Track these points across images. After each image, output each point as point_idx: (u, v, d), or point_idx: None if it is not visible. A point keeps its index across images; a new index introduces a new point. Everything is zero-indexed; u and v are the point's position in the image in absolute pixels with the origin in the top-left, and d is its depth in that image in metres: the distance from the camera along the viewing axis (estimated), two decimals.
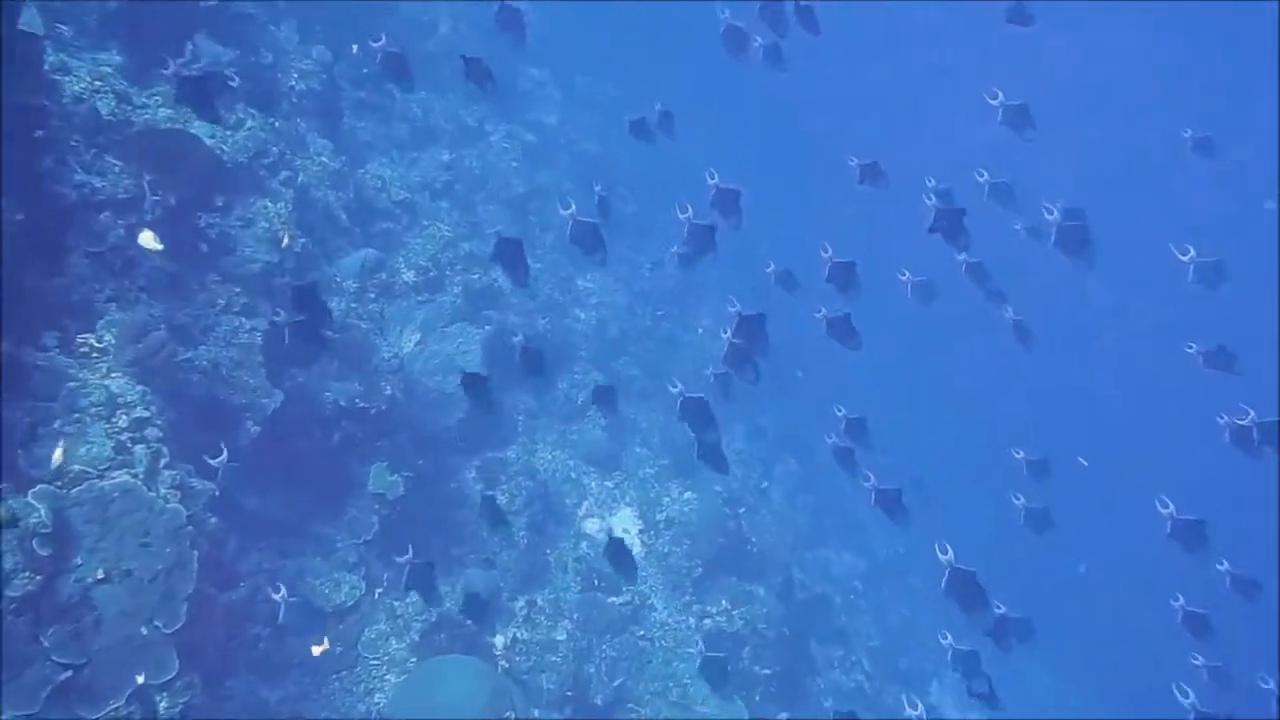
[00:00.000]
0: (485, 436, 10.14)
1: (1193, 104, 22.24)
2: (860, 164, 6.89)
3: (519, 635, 8.62)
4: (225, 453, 6.01)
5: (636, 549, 10.29)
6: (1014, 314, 7.56)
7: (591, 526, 10.30)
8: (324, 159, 9.49)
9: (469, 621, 7.87)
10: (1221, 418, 6.15)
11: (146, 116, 7.31)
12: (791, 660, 9.68)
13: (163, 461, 5.71)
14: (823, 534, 15.80)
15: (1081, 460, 11.94)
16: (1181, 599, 6.42)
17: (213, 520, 6.04)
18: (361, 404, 8.11)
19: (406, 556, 5.80)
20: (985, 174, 6.87)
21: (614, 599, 9.53)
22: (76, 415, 5.58)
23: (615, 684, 8.65)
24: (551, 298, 12.85)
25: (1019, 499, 7.31)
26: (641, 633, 9.37)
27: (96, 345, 5.92)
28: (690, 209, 6.56)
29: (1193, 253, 6.66)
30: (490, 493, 8.32)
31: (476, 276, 10.67)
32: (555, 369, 11.99)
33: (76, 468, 5.34)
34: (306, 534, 7.88)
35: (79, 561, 5.16)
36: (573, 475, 10.66)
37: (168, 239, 6.59)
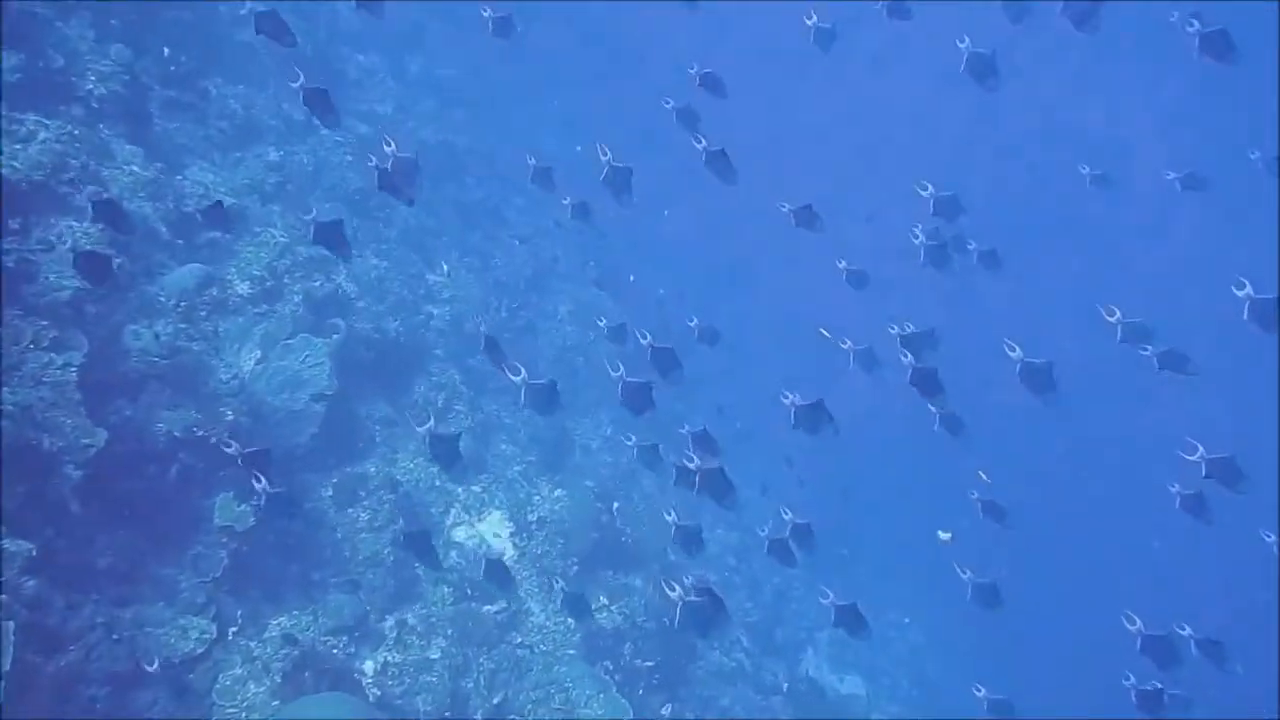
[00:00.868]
0: (341, 451, 9.65)
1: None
2: (793, 209, 6.88)
3: (390, 659, 8.29)
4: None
5: (509, 553, 10.09)
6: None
7: (461, 534, 10.01)
8: (135, 167, 8.71)
9: (335, 652, 7.49)
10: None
11: None
12: (672, 649, 9.74)
13: None
14: (694, 512, 16.00)
15: (982, 475, 12.44)
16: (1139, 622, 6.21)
17: (30, 584, 5.45)
18: (200, 433, 7.52)
19: None
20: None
21: (489, 607, 9.31)
22: None
23: (496, 700, 8.45)
24: (401, 296, 12.35)
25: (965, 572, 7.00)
26: (519, 640, 9.20)
27: None
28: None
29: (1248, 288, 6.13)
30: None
31: (319, 284, 10.10)
32: (411, 371, 11.57)
33: None
34: (145, 578, 7.26)
35: None
36: (437, 483, 10.31)
37: None
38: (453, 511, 10.20)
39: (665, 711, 7.39)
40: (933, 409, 7.02)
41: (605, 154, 6.45)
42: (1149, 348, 6.48)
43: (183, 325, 8.10)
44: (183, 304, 8.26)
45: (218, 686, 7.12)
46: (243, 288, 9.42)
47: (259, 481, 5.55)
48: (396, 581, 9.06)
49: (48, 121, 7.62)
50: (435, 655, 8.51)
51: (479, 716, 8.24)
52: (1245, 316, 6.13)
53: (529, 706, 8.52)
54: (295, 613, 8.08)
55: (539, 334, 15.83)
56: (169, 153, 10.07)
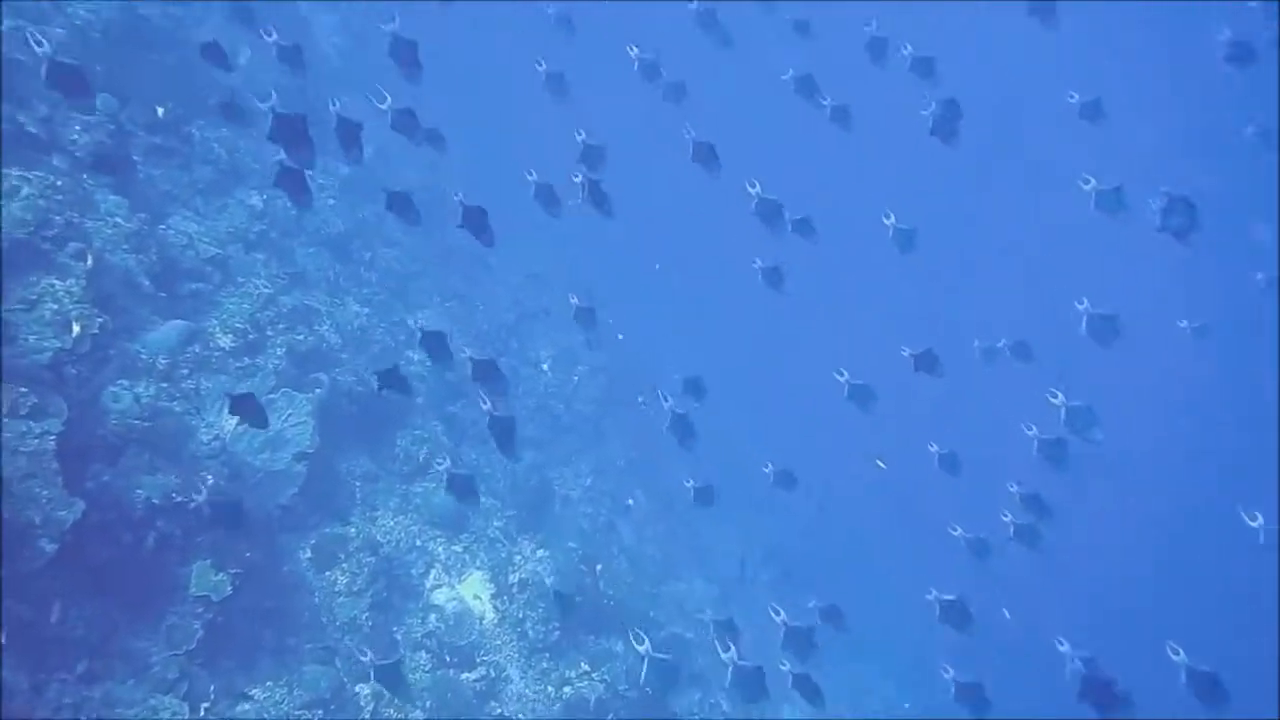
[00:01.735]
0: (321, 509, 9.44)
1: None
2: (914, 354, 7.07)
3: None
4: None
5: (489, 616, 9.88)
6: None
7: (441, 597, 9.79)
8: (119, 219, 8.52)
9: None
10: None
11: None
12: (653, 716, 9.57)
13: None
14: (673, 564, 15.89)
15: (880, 463, 12.54)
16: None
17: None
18: (179, 498, 7.29)
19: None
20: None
21: (467, 674, 9.10)
22: None
23: None
24: (384, 344, 12.18)
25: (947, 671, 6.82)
26: (499, 710, 8.98)
27: None
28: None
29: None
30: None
31: (302, 337, 9.93)
32: (393, 423, 11.38)
33: None
34: (116, 652, 6.99)
35: None
36: (418, 542, 10.10)
37: None
38: (433, 572, 9.98)
39: None
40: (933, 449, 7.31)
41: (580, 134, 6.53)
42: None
43: (164, 385, 7.90)
44: (164, 362, 8.06)
45: None
46: (225, 341, 9.22)
47: None
48: (373, 648, 8.80)
49: (30, 175, 7.44)
50: None
51: None
52: (1084, 330, 6.86)
53: None
54: (269, 684, 7.82)
55: (520, 380, 15.70)
56: (153, 201, 9.88)
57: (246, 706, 7.46)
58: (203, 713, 7.14)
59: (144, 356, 8.00)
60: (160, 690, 6.93)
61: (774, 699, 6.75)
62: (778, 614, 6.42)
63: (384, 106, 7.02)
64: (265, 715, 7.39)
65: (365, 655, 6.54)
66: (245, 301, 9.75)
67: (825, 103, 7.91)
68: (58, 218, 7.34)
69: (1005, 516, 7.40)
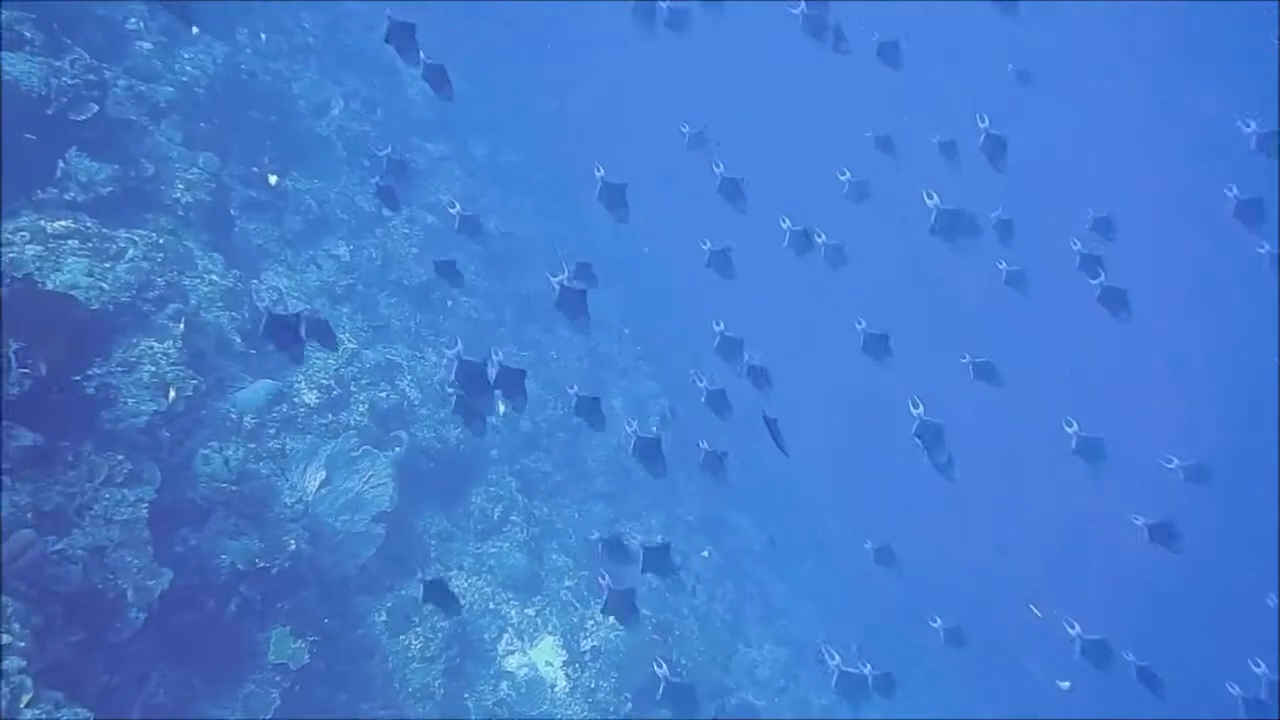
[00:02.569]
0: (396, 569, 9.37)
1: None
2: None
3: None
4: None
5: (560, 684, 9.67)
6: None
7: (513, 663, 9.62)
8: (214, 276, 8.65)
9: None
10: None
11: (13, 254, 6.46)
12: None
13: (25, 699, 4.84)
14: (743, 626, 15.51)
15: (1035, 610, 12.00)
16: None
17: None
18: (262, 564, 7.27)
19: None
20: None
21: None
22: None
23: None
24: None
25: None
26: None
27: None
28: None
29: None
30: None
31: (384, 394, 9.95)
32: (468, 479, 11.33)
33: None
34: None
35: None
36: (491, 605, 9.97)
37: (36, 408, 5.73)
38: (505, 637, 9.83)
39: None
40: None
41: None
42: None
43: (251, 445, 7.93)
44: (252, 421, 8.11)
45: None
46: (310, 398, 9.27)
47: None
48: (444, 716, 8.68)
49: (136, 238, 7.58)
50: None
51: None
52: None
53: None
54: None
55: (592, 432, 15.55)
56: (246, 255, 10.07)
57: None
58: None
59: (233, 416, 8.06)
60: None
61: None
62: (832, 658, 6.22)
63: (454, 212, 7.05)
64: None
65: None
66: (331, 357, 9.81)
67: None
68: (159, 279, 7.45)
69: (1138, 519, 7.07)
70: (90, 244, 7.13)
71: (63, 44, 7.56)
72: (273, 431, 8.37)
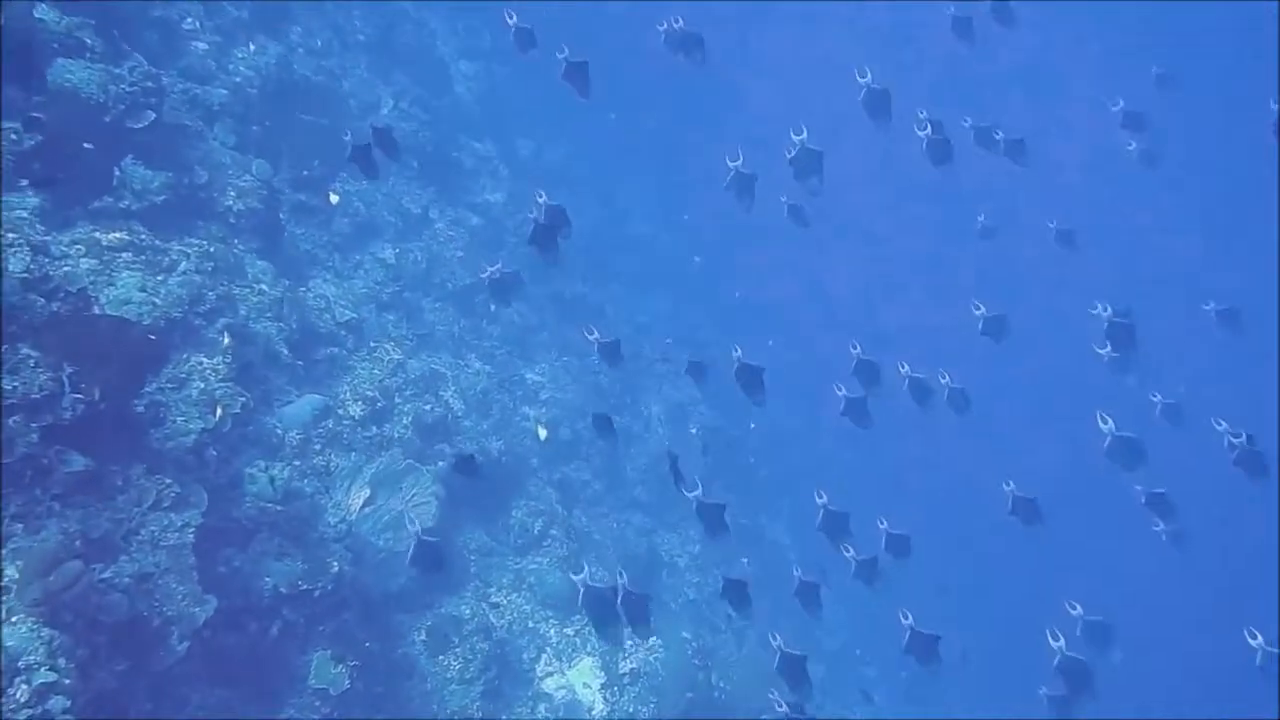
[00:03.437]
0: (436, 588, 9.24)
1: None
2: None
3: None
4: None
5: (598, 708, 9.52)
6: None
7: (551, 685, 9.47)
8: (264, 286, 8.54)
9: None
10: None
11: (68, 268, 6.36)
12: None
13: None
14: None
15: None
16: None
17: None
18: (305, 586, 7.16)
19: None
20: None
21: None
22: None
23: None
24: (504, 406, 12.03)
25: None
26: None
27: None
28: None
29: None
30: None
31: (429, 407, 9.82)
32: (509, 491, 11.19)
33: None
34: None
35: None
36: (530, 624, 9.82)
37: (88, 431, 5.63)
38: (544, 657, 9.68)
39: None
40: None
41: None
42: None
43: (297, 463, 7.83)
44: (298, 437, 8.00)
45: None
46: (355, 410, 9.15)
47: None
48: None
49: (189, 249, 7.49)
50: None
51: None
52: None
53: None
54: None
55: (632, 440, 15.41)
56: (295, 262, 9.96)
57: None
58: None
59: (279, 431, 7.95)
60: None
61: None
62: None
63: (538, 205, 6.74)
64: None
65: None
66: (376, 367, 9.70)
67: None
68: (210, 293, 7.34)
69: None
70: (144, 256, 7.03)
71: (122, 50, 7.46)
72: (318, 447, 8.25)
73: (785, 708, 5.92)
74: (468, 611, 9.16)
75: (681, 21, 6.83)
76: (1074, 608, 6.58)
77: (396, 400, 9.70)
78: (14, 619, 4.93)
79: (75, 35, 7.01)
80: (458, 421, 10.37)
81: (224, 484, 6.92)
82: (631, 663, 9.97)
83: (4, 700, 4.61)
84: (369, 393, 9.36)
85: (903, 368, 7.23)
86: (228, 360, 7.21)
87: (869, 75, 6.87)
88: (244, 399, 7.18)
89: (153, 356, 6.17)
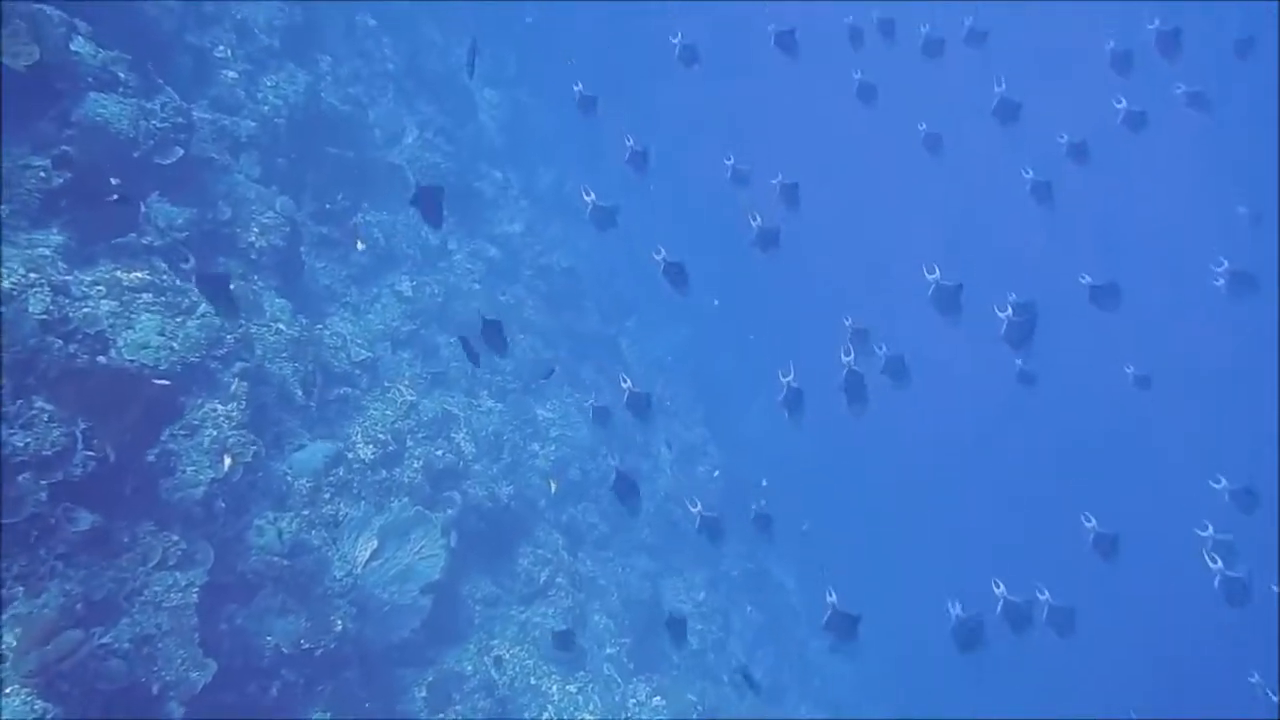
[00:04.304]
0: (440, 639, 9.02)
1: None
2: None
3: None
4: None
5: None
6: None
7: None
8: (281, 325, 8.36)
9: None
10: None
11: (87, 310, 6.20)
12: None
13: None
14: (782, 691, 15.15)
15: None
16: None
17: None
18: (306, 645, 6.95)
19: None
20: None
21: None
22: None
23: None
24: (515, 445, 11.83)
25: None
26: None
27: None
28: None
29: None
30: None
31: (440, 452, 9.62)
32: (517, 537, 10.98)
33: None
34: None
35: None
36: (533, 680, 9.57)
37: (99, 486, 5.44)
38: (545, 716, 9.43)
39: None
40: None
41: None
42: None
43: (305, 513, 7.62)
44: (308, 485, 7.81)
45: None
46: (366, 452, 8.96)
47: None
48: None
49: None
50: None
51: None
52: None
53: None
54: None
55: (641, 480, 15.21)
56: (313, 297, 9.80)
57: None
58: None
59: (289, 479, 7.76)
60: None
61: None
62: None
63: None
64: None
65: None
66: (389, 408, 9.52)
67: None
68: (229, 336, 7.16)
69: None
70: (164, 297, 6.86)
71: (155, 84, 7.33)
72: (328, 496, 8.05)
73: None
74: (470, 668, 8.94)
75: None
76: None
77: (408, 443, 9.51)
78: (8, 690, 4.73)
79: (110, 70, 6.87)
80: (468, 465, 10.17)
81: (231, 537, 6.73)
82: None
83: None
84: (380, 435, 9.16)
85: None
86: (242, 407, 7.03)
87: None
88: (256, 447, 6.99)
89: (168, 409, 5.99)
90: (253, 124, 9.36)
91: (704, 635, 13.63)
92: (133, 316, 6.53)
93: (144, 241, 7.24)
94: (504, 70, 19.16)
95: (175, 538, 5.95)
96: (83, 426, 5.24)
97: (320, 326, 9.39)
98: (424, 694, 8.47)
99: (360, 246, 9.92)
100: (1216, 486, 7.48)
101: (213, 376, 7.08)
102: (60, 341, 5.76)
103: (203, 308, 7.11)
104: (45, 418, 5.15)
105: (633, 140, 7.22)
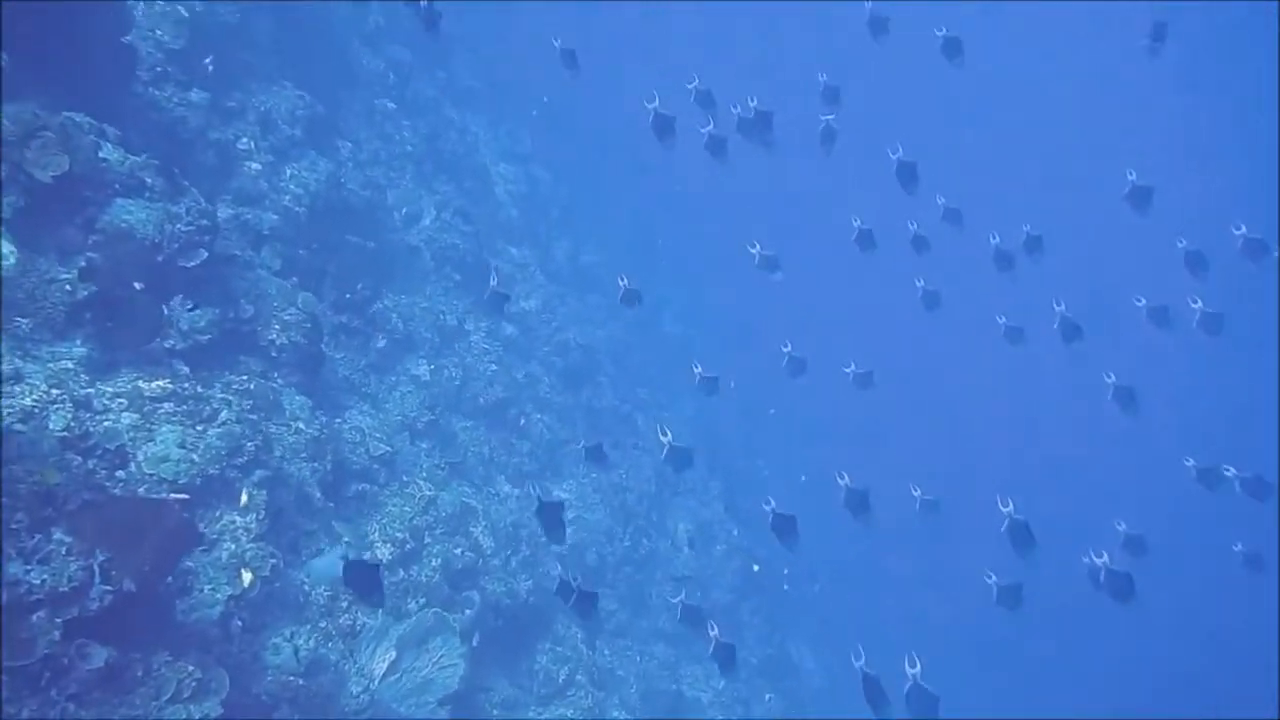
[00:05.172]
0: None
1: None
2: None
3: None
4: None
5: None
6: None
7: None
8: (301, 424, 8.17)
9: None
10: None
11: (109, 424, 6.03)
12: None
13: None
14: None
15: None
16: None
17: None
18: None
19: None
20: None
21: None
22: None
23: None
24: (532, 535, 11.56)
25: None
26: None
27: None
28: None
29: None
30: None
31: (459, 550, 9.37)
32: (536, 633, 10.67)
33: None
34: None
35: None
36: None
37: (114, 617, 5.21)
38: None
39: None
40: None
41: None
42: None
43: (322, 625, 7.35)
44: (326, 594, 7.55)
45: None
46: (384, 551, 8.71)
47: None
48: None
49: (230, 395, 7.15)
50: None
51: None
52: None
53: None
54: None
55: (658, 563, 14.92)
56: (332, 390, 9.65)
57: None
58: None
59: (306, 587, 7.50)
60: None
61: None
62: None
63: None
64: None
65: None
66: (407, 504, 9.29)
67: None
68: (249, 444, 6.98)
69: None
70: (185, 406, 6.70)
71: (180, 186, 7.25)
72: (345, 605, 7.78)
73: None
74: None
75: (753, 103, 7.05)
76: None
77: (426, 540, 9.26)
78: None
79: (137, 175, 6.81)
80: (487, 561, 9.91)
81: (247, 659, 6.46)
82: None
83: None
84: (398, 534, 8.93)
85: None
86: (259, 516, 6.82)
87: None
88: (274, 560, 6.77)
89: (188, 537, 5.78)
90: (274, 217, 9.32)
91: None
92: (153, 428, 6.37)
93: (166, 345, 7.12)
94: (519, 145, 19.31)
95: (190, 667, 5.67)
96: (101, 559, 5.03)
97: (339, 420, 9.22)
98: None
99: (380, 342, 9.84)
100: (1188, 464, 7.76)
101: (231, 486, 6.88)
102: (79, 458, 5.60)
103: (224, 414, 6.95)
104: (63, 551, 4.94)
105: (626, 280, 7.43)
